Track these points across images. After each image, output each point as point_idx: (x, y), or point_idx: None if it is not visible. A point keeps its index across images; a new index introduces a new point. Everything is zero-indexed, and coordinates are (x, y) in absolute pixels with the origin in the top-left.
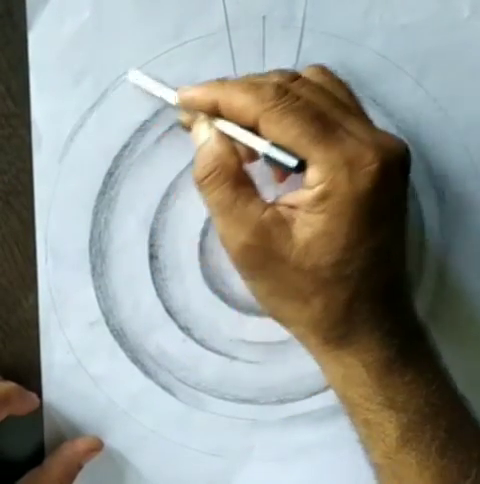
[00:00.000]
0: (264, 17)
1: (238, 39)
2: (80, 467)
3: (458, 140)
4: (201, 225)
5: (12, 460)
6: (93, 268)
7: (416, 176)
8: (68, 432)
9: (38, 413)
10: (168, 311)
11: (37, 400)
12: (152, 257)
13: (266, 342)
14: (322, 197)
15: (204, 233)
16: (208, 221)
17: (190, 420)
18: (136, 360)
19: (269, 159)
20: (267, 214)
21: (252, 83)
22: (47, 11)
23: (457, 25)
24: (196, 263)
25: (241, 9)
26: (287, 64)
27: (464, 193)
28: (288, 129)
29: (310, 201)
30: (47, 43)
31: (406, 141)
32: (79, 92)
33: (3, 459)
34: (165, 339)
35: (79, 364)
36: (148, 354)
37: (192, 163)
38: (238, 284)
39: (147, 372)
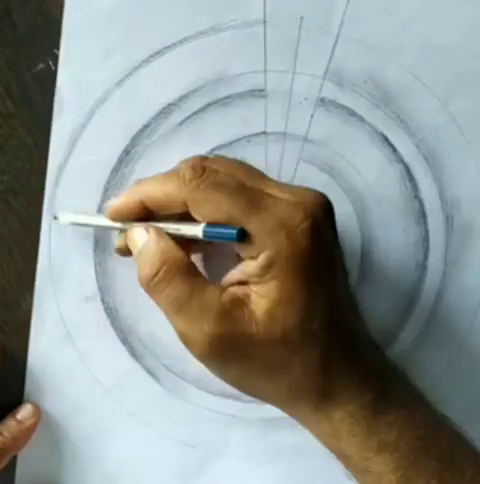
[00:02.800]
0: (302, 18)
1: (273, 36)
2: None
3: (475, 168)
4: None
5: None
6: (96, 242)
7: (428, 198)
8: (47, 403)
9: (19, 381)
10: None
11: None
12: None
13: None
14: (268, 264)
15: None
16: None
17: (170, 408)
18: (125, 341)
19: (210, 238)
20: (224, 297)
21: (168, 173)
22: None
23: None
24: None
25: (280, 6)
26: (318, 69)
27: (473, 222)
28: (218, 205)
29: (258, 271)
30: (83, 10)
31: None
32: (108, 66)
33: None
34: (157, 324)
35: (68, 337)
36: (138, 337)
37: (209, 153)
38: None
39: (134, 354)
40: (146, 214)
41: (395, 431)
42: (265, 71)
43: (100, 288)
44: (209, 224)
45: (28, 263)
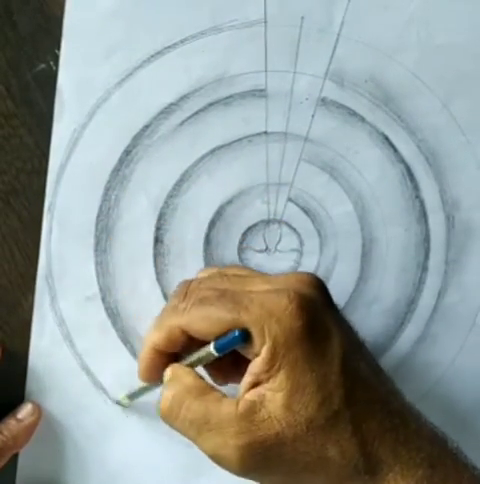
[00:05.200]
0: (302, 18)
1: (274, 36)
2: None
3: (475, 168)
4: (210, 216)
5: None
6: (97, 243)
7: (428, 198)
8: (48, 403)
9: (20, 381)
10: (165, 297)
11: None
12: (157, 240)
13: None
14: (271, 356)
15: (212, 225)
16: (218, 213)
17: None
18: (126, 341)
19: (223, 351)
20: (241, 407)
21: (163, 308)
22: None
23: None
24: (200, 253)
25: (281, 6)
26: (318, 69)
27: (474, 222)
28: (208, 318)
29: (264, 366)
30: (84, 10)
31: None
32: (109, 66)
33: None
34: None
35: (69, 337)
36: (139, 337)
37: (209, 153)
38: None
39: (135, 354)
40: (170, 358)
41: None
42: (266, 71)
43: (101, 288)
44: (217, 339)
45: (29, 263)
